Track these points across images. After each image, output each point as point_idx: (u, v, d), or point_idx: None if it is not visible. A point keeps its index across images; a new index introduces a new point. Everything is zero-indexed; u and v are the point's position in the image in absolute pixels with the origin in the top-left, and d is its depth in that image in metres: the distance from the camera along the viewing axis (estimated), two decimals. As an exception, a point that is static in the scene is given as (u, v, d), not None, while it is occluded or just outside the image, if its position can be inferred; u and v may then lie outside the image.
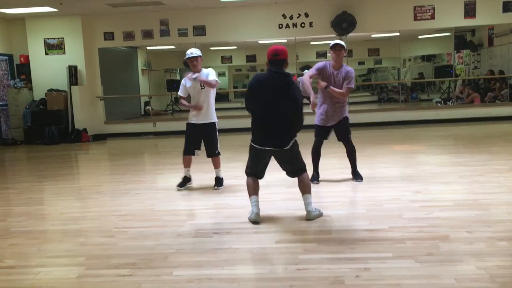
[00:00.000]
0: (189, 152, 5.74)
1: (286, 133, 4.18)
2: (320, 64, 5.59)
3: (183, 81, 5.71)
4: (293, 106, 4.13)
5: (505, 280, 2.89)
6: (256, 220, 4.25)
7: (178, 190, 5.73)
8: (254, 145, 4.25)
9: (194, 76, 5.49)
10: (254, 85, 4.24)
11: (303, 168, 4.40)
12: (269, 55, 4.17)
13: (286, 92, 4.11)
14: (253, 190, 4.36)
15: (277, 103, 4.10)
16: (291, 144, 4.20)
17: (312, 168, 5.70)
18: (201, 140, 5.72)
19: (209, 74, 5.57)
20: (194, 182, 5.95)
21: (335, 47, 5.42)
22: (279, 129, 4.16)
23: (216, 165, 5.80)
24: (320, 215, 4.37)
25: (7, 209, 5.50)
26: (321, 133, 5.70)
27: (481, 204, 4.60)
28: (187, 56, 5.57)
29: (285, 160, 4.35)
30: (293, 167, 4.39)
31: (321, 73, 5.51)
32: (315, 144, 5.77)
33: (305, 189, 4.36)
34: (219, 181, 5.79)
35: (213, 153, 5.72)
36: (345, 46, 5.50)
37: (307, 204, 4.33)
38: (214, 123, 5.71)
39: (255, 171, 4.38)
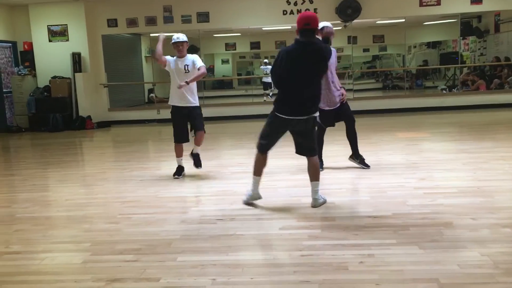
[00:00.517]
0: (181, 140, 5.75)
1: (316, 101, 4.19)
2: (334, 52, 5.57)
3: (169, 57, 5.70)
4: (320, 75, 4.19)
5: (508, 267, 2.89)
6: (259, 197, 4.37)
7: (176, 178, 5.73)
8: (280, 115, 4.15)
9: (182, 84, 5.46)
10: (284, 58, 4.10)
11: (315, 149, 4.34)
12: (300, 24, 4.04)
13: (320, 64, 4.12)
14: (259, 170, 4.35)
15: (311, 74, 4.08)
16: (314, 114, 4.18)
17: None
18: (187, 124, 5.76)
19: (195, 60, 5.61)
20: (198, 169, 5.95)
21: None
22: (310, 97, 4.13)
23: (199, 141, 5.76)
24: (324, 202, 4.37)
25: (12, 196, 5.54)
26: (327, 118, 5.56)
27: (485, 191, 4.59)
28: (172, 41, 5.66)
29: (301, 134, 4.25)
30: (307, 144, 4.31)
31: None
32: (320, 132, 5.72)
33: (314, 175, 4.32)
34: (199, 159, 5.79)
35: (201, 127, 5.70)
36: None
37: (314, 191, 4.31)
38: (199, 106, 5.74)
39: (270, 144, 4.30)
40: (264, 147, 4.32)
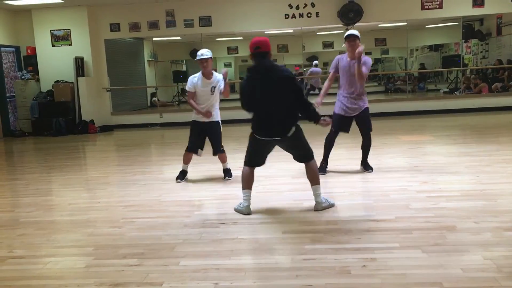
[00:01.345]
0: (192, 149, 5.73)
1: (286, 123, 4.15)
2: (333, 62, 5.72)
3: (193, 79, 5.61)
4: (289, 98, 4.09)
5: (512, 270, 2.89)
6: (248, 212, 4.27)
7: (178, 182, 5.75)
8: (257, 136, 4.23)
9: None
10: (245, 88, 4.23)
11: (310, 154, 4.35)
12: (251, 49, 4.11)
13: (278, 88, 4.07)
14: (247, 183, 4.34)
15: (271, 99, 4.07)
16: (292, 131, 4.15)
17: (322, 158, 5.74)
18: (205, 138, 5.74)
19: (220, 82, 5.58)
20: (201, 173, 5.99)
21: (349, 37, 5.42)
22: (279, 120, 4.12)
23: (223, 160, 5.85)
24: (331, 205, 4.36)
25: (16, 200, 5.56)
26: (342, 123, 5.61)
27: (488, 194, 4.58)
28: (197, 58, 5.52)
29: (290, 146, 4.32)
30: (300, 152, 4.35)
31: (338, 67, 5.60)
32: (330, 134, 5.71)
33: (313, 180, 4.33)
34: (228, 172, 5.83)
35: (218, 150, 5.75)
36: (359, 36, 5.46)
37: (316, 195, 4.32)
38: (218, 121, 5.74)
39: (256, 161, 4.36)
40: (251, 163, 4.36)
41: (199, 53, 5.53)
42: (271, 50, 4.16)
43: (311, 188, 4.35)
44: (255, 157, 4.35)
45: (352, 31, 5.55)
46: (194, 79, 5.62)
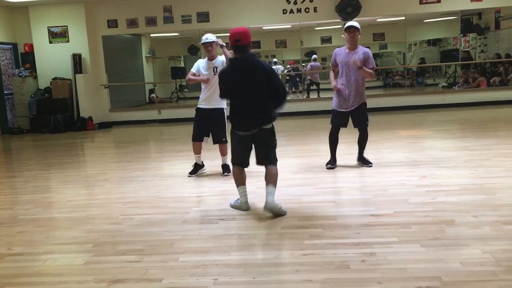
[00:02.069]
0: (197, 138, 5.72)
1: (264, 115, 4.12)
2: (333, 54, 5.68)
3: (198, 64, 5.73)
4: (264, 87, 4.07)
5: (510, 264, 2.89)
6: (247, 208, 4.27)
7: (189, 176, 5.73)
8: (237, 132, 4.20)
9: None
10: (224, 79, 4.21)
11: (275, 159, 4.31)
12: (231, 41, 4.09)
13: (254, 75, 4.07)
14: (240, 180, 4.32)
15: (249, 87, 4.07)
16: (269, 126, 4.18)
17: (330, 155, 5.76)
18: (209, 126, 5.71)
19: (225, 62, 5.55)
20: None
21: (349, 29, 5.41)
22: (256, 113, 4.11)
23: (224, 153, 5.81)
24: (280, 211, 4.07)
25: (14, 197, 5.55)
26: (339, 118, 5.61)
27: (487, 188, 4.58)
28: (202, 42, 5.58)
29: (262, 144, 4.23)
30: (267, 152, 4.26)
31: (337, 60, 5.57)
32: (331, 131, 5.70)
33: (269, 180, 4.20)
34: (227, 168, 5.80)
35: (220, 140, 5.72)
36: (359, 28, 5.46)
37: (268, 193, 4.12)
38: (222, 109, 5.68)
39: (241, 160, 4.30)
40: (238, 163, 4.33)
41: (203, 37, 5.59)
42: (251, 41, 4.13)
43: (265, 186, 4.18)
44: (240, 155, 4.29)
45: (352, 22, 5.55)
46: (199, 63, 5.74)
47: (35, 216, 4.57)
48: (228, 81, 4.17)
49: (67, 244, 3.75)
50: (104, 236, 3.85)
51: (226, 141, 5.72)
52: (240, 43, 4.04)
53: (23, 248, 3.69)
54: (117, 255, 3.41)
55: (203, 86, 5.71)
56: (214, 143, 5.79)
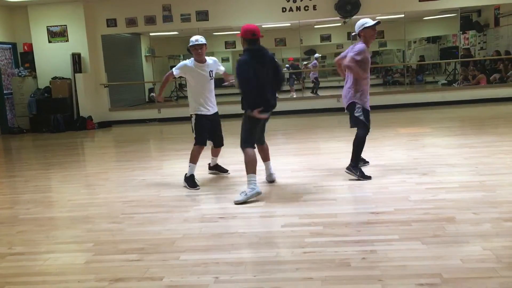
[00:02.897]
0: (204, 142, 5.43)
1: (276, 97, 4.81)
2: (364, 52, 5.15)
3: (183, 64, 5.35)
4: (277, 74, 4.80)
5: (511, 261, 2.89)
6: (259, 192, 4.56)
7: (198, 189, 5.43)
8: (261, 113, 4.55)
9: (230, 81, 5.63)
10: (247, 67, 4.55)
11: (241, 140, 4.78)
12: (248, 35, 4.61)
13: (274, 63, 4.81)
14: (255, 166, 4.60)
15: (267, 74, 4.65)
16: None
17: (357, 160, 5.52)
18: (212, 130, 5.49)
19: (217, 64, 5.51)
20: (199, 168, 5.91)
21: (375, 26, 5.33)
22: (272, 96, 4.71)
23: (217, 154, 5.79)
24: (246, 197, 4.48)
25: (15, 197, 5.55)
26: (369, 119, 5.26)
27: (487, 185, 4.58)
28: (191, 43, 5.27)
29: (264, 124, 4.92)
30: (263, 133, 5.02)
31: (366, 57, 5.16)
32: (366, 133, 5.22)
33: (268, 156, 5.12)
34: (222, 167, 5.84)
35: (222, 143, 5.61)
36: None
37: (271, 168, 5.17)
38: (218, 112, 5.61)
39: (256, 140, 4.81)
40: (252, 144, 4.77)
41: (193, 39, 5.25)
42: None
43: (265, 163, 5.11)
44: (255, 136, 4.77)
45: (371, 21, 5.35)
46: (186, 64, 5.32)
47: (36, 216, 4.57)
48: (250, 70, 4.52)
49: (68, 243, 3.75)
50: (105, 235, 3.85)
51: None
52: (257, 37, 4.62)
53: (24, 248, 3.69)
54: (118, 254, 3.41)
55: (197, 89, 5.36)
56: (217, 147, 5.64)
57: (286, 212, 4.15)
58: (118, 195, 5.19)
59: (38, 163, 7.87)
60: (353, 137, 5.25)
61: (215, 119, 5.52)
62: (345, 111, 5.27)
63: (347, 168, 5.17)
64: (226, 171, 5.82)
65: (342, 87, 5.42)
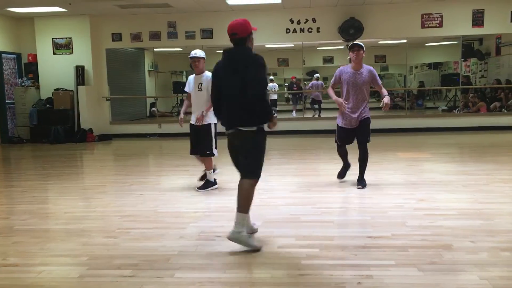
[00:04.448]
0: (192, 151, 5.92)
1: (246, 111, 3.64)
2: (336, 72, 5.73)
3: (190, 80, 5.90)
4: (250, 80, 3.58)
5: (508, 291, 2.87)
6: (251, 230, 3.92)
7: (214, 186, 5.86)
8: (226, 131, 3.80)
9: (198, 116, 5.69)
10: (218, 69, 3.82)
11: (254, 172, 3.76)
12: (228, 34, 3.75)
13: (245, 64, 3.65)
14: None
15: (238, 83, 3.61)
16: (250, 128, 3.66)
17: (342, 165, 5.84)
18: (198, 140, 5.84)
19: (210, 78, 5.63)
20: (197, 184, 5.95)
21: (353, 47, 5.48)
22: (237, 110, 3.68)
23: (205, 166, 5.88)
24: (247, 244, 3.68)
25: (11, 207, 5.53)
26: (346, 135, 5.65)
27: (485, 213, 4.57)
28: (190, 56, 5.75)
29: (242, 148, 3.75)
30: (247, 161, 3.77)
31: (342, 78, 5.60)
32: (340, 147, 5.79)
33: (238, 203, 3.77)
34: (204, 184, 5.87)
35: (203, 152, 5.81)
36: (364, 46, 5.52)
37: (235, 222, 3.73)
38: (209, 124, 5.75)
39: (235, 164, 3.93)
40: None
41: (192, 52, 5.76)
42: (251, 33, 3.84)
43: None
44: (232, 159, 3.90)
45: (356, 41, 5.63)
46: (190, 78, 5.90)
47: (32, 227, 4.54)
48: (216, 77, 3.83)
49: (62, 256, 3.72)
50: (100, 250, 3.82)
51: (210, 154, 5.78)
52: (237, 36, 3.71)
53: (18, 259, 3.66)
54: (112, 269, 3.39)
55: (192, 101, 5.86)
56: (199, 155, 5.86)
57: (282, 233, 4.13)
58: (115, 209, 5.17)
59: (36, 174, 7.86)
60: (353, 157, 5.42)
61: (200, 130, 5.76)
62: (354, 129, 5.62)
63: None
64: (199, 187, 5.91)
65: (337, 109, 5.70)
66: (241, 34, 3.73)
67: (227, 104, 3.75)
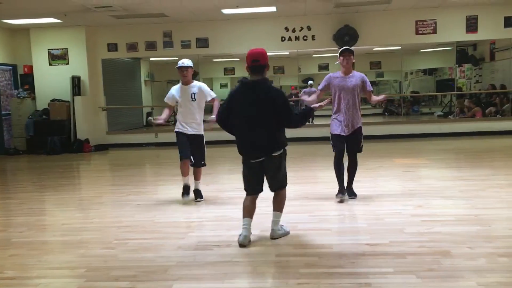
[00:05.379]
0: (186, 155, 5.65)
1: (271, 142, 4.07)
2: (325, 77, 5.64)
3: (172, 90, 5.76)
4: (275, 117, 4.02)
5: (506, 297, 2.88)
6: (243, 243, 4.00)
7: (186, 200, 5.70)
8: (246, 158, 4.17)
9: (210, 122, 5.39)
10: (233, 100, 4.15)
11: (284, 184, 4.28)
12: (248, 61, 4.06)
13: (269, 100, 4.01)
14: (247, 211, 4.15)
15: (261, 113, 4.01)
16: (279, 152, 4.09)
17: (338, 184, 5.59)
18: (192, 148, 5.70)
19: (202, 88, 5.69)
20: (194, 199, 5.92)
21: (344, 52, 5.45)
22: (263, 140, 4.05)
23: (198, 177, 5.85)
24: (286, 234, 4.25)
25: (8, 220, 5.50)
26: (340, 143, 5.51)
27: (482, 219, 4.59)
28: (178, 65, 5.64)
29: (272, 170, 4.15)
30: (277, 179, 4.21)
31: (333, 84, 5.50)
32: (337, 156, 5.55)
33: (277, 206, 4.24)
34: (199, 194, 5.82)
35: (199, 164, 5.75)
36: (353, 52, 5.53)
37: (273, 221, 4.21)
38: (202, 135, 5.74)
39: (252, 187, 4.21)
40: (248, 190, 4.23)
41: (180, 62, 5.64)
42: (268, 64, 4.12)
43: (272, 212, 4.25)
44: (250, 182, 4.20)
45: (346, 46, 5.61)
46: (173, 90, 5.74)
47: (29, 239, 4.53)
48: (232, 105, 4.12)
49: (60, 269, 3.71)
50: (98, 261, 3.81)
51: (204, 165, 5.77)
52: (259, 63, 4.04)
53: (15, 272, 3.65)
54: (110, 281, 3.37)
55: (181, 112, 5.69)
56: (194, 166, 5.77)
57: (281, 242, 4.12)
58: (112, 220, 5.16)
59: (33, 185, 7.84)
60: (349, 165, 5.42)
61: (196, 140, 5.67)
62: (347, 137, 5.49)
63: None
64: (196, 199, 5.80)
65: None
66: (262, 62, 4.06)
67: (251, 133, 4.06)
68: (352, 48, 5.89)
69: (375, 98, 5.66)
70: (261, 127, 4.02)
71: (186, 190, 5.77)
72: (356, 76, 5.47)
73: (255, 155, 4.09)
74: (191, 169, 5.79)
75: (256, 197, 4.24)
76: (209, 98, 5.70)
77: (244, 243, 4.01)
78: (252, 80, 4.09)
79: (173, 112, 6.08)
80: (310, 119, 15.06)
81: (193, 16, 11.52)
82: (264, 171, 4.16)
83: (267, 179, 4.23)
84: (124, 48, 12.52)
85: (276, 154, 4.08)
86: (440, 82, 16.98)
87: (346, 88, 5.41)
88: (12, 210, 5.99)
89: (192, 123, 5.67)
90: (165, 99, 5.81)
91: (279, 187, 4.25)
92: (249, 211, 4.16)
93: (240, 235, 4.09)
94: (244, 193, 4.26)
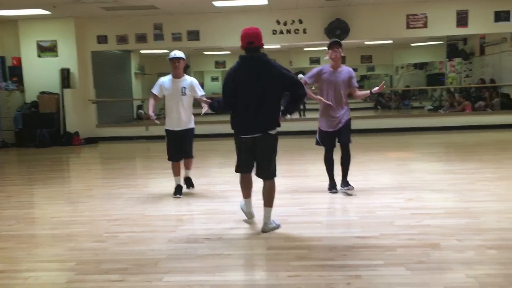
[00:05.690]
0: (175, 158, 5.71)
1: (269, 118, 4.05)
2: (313, 70, 5.55)
3: (160, 81, 5.67)
4: (277, 94, 4.04)
5: (494, 289, 2.91)
6: (251, 217, 4.42)
7: (178, 197, 5.64)
8: (240, 134, 4.14)
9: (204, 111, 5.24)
10: (230, 77, 4.10)
11: (273, 173, 4.19)
12: (243, 43, 4.03)
13: (269, 71, 4.00)
14: (244, 190, 4.37)
15: (258, 92, 3.98)
16: (274, 131, 4.08)
17: (328, 178, 5.62)
18: (182, 144, 5.70)
19: (193, 84, 5.63)
20: (186, 188, 5.94)
21: (333, 45, 5.38)
22: (262, 115, 4.02)
23: (189, 166, 5.89)
24: (277, 227, 4.24)
25: (-3, 213, 5.45)
26: (329, 139, 5.51)
27: (471, 212, 4.63)
28: (170, 57, 5.55)
29: (263, 151, 4.10)
30: (266, 163, 4.13)
31: (318, 78, 5.44)
32: (327, 152, 5.56)
33: (267, 201, 4.20)
34: (190, 181, 5.91)
35: (190, 155, 5.78)
36: (342, 44, 5.50)
37: (265, 216, 4.20)
38: (193, 128, 5.73)
39: (243, 165, 4.22)
40: (240, 168, 4.28)
41: (171, 53, 5.57)
42: (263, 43, 4.09)
43: (263, 208, 4.21)
44: (242, 160, 4.21)
45: (335, 39, 5.55)
46: (162, 80, 5.64)
47: (18, 232, 4.49)
48: (233, 80, 4.06)
49: (50, 262, 3.69)
50: (88, 254, 3.79)
51: (193, 156, 5.81)
52: (254, 45, 4.00)
53: (4, 265, 3.62)
54: (100, 274, 3.36)
55: (169, 105, 5.64)
56: (185, 158, 5.80)
57: (271, 235, 4.13)
58: (102, 213, 5.13)
59: (21, 179, 7.77)
60: (340, 158, 5.42)
61: (187, 134, 5.66)
62: (336, 131, 5.46)
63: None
64: (188, 187, 5.90)
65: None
66: (257, 43, 4.04)
67: (251, 108, 4.00)
68: (343, 41, 5.86)
69: (359, 92, 5.60)
70: (263, 101, 3.98)
71: (178, 190, 5.74)
72: (345, 70, 5.45)
73: (252, 130, 4.04)
74: (182, 162, 5.79)
75: (250, 174, 4.29)
76: (199, 94, 5.63)
77: (251, 217, 4.44)
78: (252, 55, 4.05)
79: (164, 105, 5.99)
80: (302, 112, 15.11)
81: (184, 9, 11.44)
82: (256, 151, 4.10)
83: (257, 163, 4.16)
84: (114, 41, 12.41)
85: (273, 132, 4.08)
86: (431, 76, 17.08)
87: (335, 83, 5.38)
88: (0, 203, 5.94)
89: (180, 118, 5.60)
90: (153, 90, 5.69)
91: (268, 175, 4.16)
92: (245, 187, 4.35)
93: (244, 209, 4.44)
94: (236, 185, 4.28)
